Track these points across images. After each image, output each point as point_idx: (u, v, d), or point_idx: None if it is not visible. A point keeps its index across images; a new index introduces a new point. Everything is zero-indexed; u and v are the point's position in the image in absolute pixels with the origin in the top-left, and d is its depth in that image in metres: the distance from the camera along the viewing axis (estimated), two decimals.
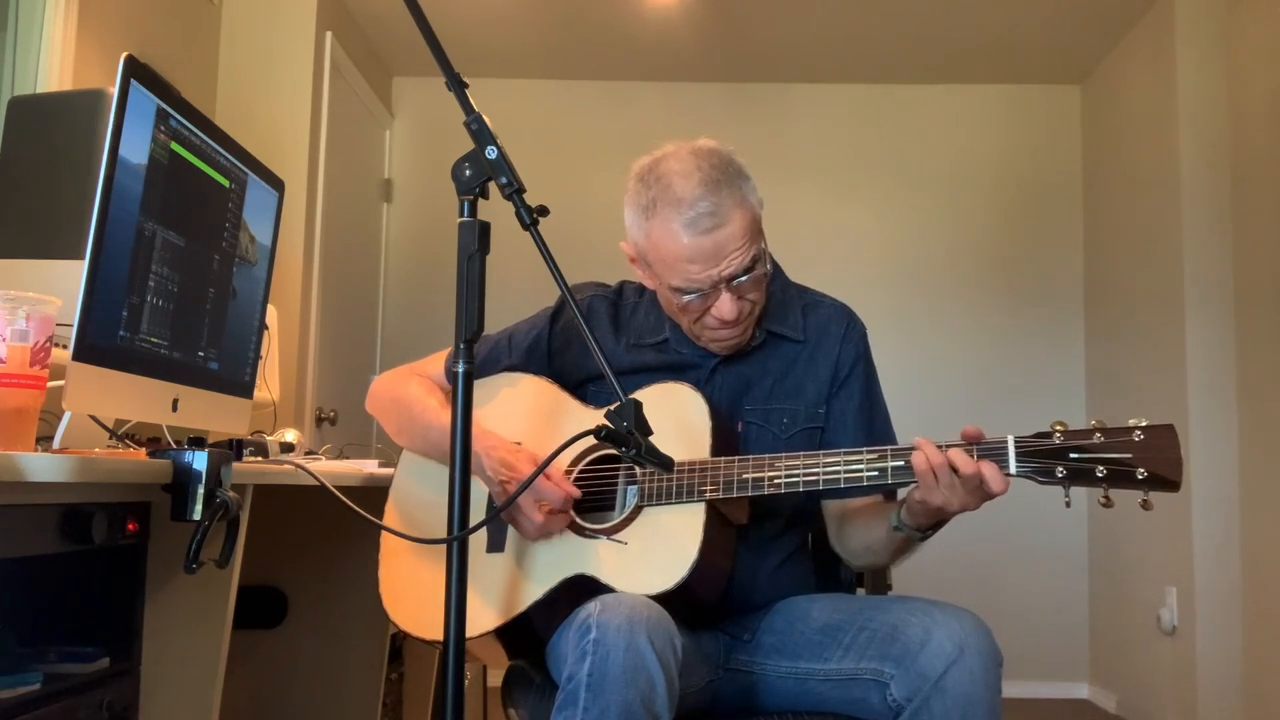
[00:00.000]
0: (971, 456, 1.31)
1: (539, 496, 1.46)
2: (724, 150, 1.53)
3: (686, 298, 1.50)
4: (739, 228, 1.47)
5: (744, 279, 1.49)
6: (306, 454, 2.16)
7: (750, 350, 1.62)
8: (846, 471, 1.40)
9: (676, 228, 1.46)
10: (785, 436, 1.58)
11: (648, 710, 1.23)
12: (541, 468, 1.34)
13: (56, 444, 1.37)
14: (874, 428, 1.63)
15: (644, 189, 1.52)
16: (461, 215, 1.22)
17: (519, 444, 1.56)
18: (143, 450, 1.34)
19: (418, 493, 1.66)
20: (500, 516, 1.50)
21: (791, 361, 1.63)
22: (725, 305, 1.49)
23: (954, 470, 1.31)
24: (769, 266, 1.54)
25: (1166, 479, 1.27)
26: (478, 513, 1.37)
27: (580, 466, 1.55)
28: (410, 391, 1.68)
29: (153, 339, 1.39)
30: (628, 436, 1.22)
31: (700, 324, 1.55)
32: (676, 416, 1.50)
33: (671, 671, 1.27)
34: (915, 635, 1.36)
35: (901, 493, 1.47)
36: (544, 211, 1.24)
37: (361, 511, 1.38)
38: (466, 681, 1.30)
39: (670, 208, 1.47)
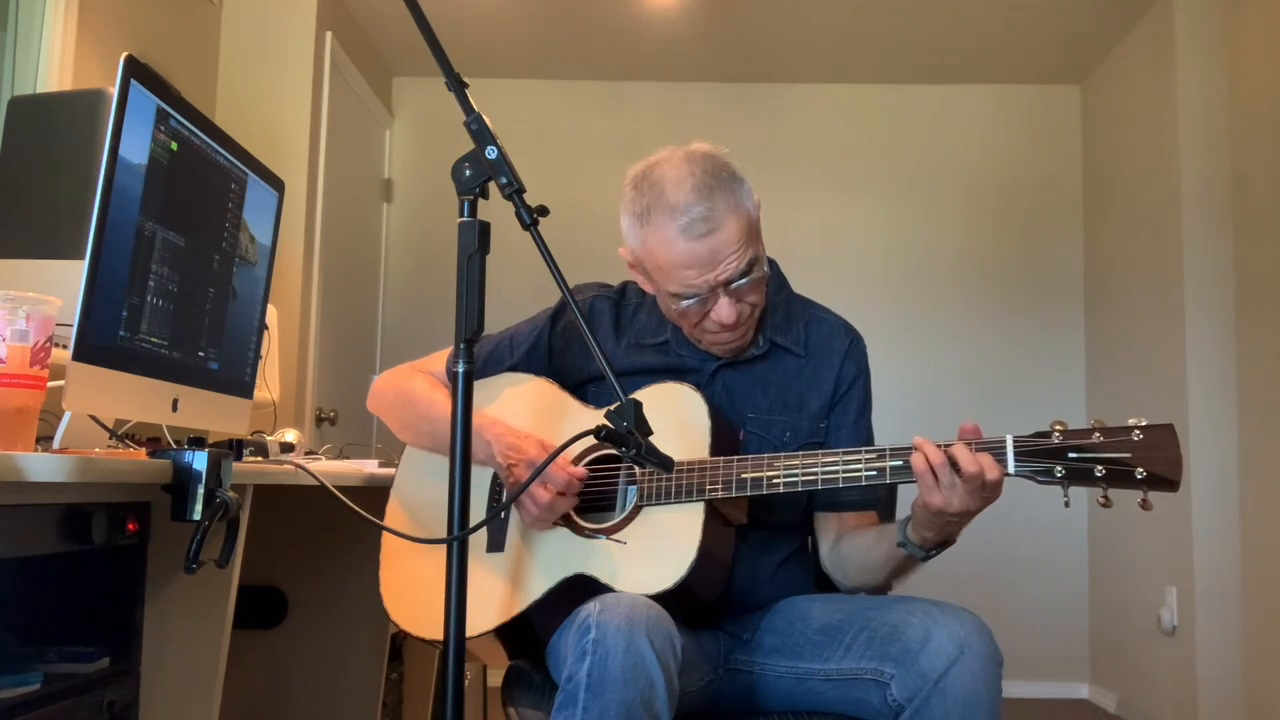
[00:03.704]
0: (971, 452, 1.32)
1: (544, 479, 1.45)
2: (718, 154, 1.52)
3: (684, 303, 1.51)
4: (733, 232, 1.46)
5: (742, 283, 1.49)
6: (306, 454, 2.16)
7: (753, 358, 1.62)
8: (845, 471, 1.40)
9: (671, 234, 1.46)
10: (787, 450, 1.57)
11: (647, 710, 1.23)
12: (553, 456, 1.33)
13: (56, 444, 1.37)
14: (867, 444, 1.63)
15: (638, 196, 1.52)
16: (461, 215, 1.22)
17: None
18: (143, 450, 1.34)
19: (420, 492, 1.66)
20: (504, 505, 1.50)
21: (794, 375, 1.62)
22: (724, 310, 1.49)
23: (954, 468, 1.31)
24: (766, 269, 1.54)
25: (1165, 479, 1.26)
26: (478, 512, 1.37)
27: (580, 466, 1.55)
28: (415, 386, 1.68)
29: (153, 339, 1.39)
30: (628, 436, 1.22)
31: (700, 328, 1.55)
32: (676, 417, 1.50)
33: (671, 671, 1.27)
34: (915, 635, 1.36)
35: (904, 512, 1.47)
36: (544, 211, 1.23)
37: (361, 511, 1.38)
38: (466, 681, 1.29)
39: (664, 214, 1.47)
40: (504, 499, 1.58)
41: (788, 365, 1.63)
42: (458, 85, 1.24)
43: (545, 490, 1.46)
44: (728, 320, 1.50)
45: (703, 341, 1.58)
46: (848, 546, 1.58)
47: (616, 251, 1.62)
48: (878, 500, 1.66)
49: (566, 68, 4.55)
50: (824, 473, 1.41)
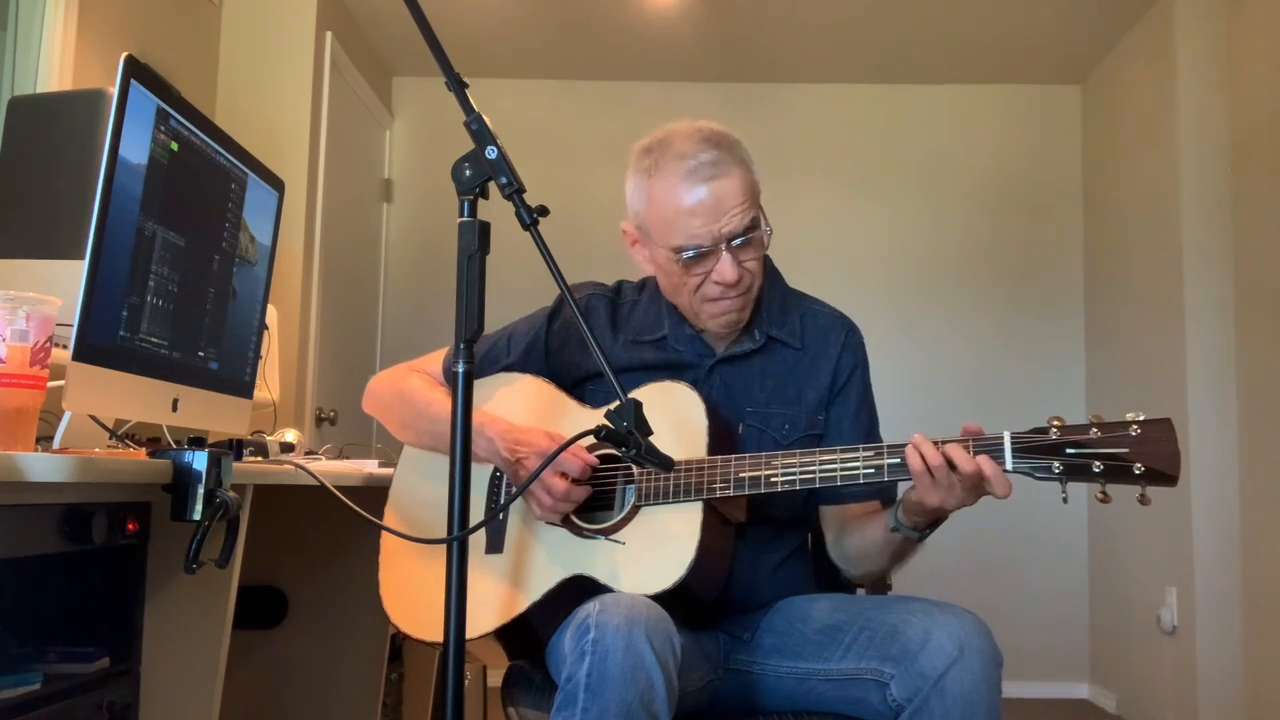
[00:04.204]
0: (968, 452, 1.31)
1: (558, 467, 1.45)
2: (724, 128, 1.57)
3: (687, 254, 1.51)
4: (738, 184, 1.50)
5: (743, 240, 1.50)
6: (306, 454, 2.16)
7: (749, 352, 1.62)
8: (843, 470, 1.40)
9: (677, 180, 1.50)
10: (786, 443, 1.58)
11: (647, 710, 1.23)
12: (565, 446, 1.32)
13: (56, 444, 1.37)
14: (870, 434, 1.64)
15: (646, 156, 1.56)
16: (461, 215, 1.22)
17: None
18: (143, 450, 1.34)
19: (418, 493, 1.66)
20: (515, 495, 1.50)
21: (791, 368, 1.63)
22: (726, 267, 1.50)
23: (952, 467, 1.31)
24: (768, 228, 1.55)
25: (1164, 473, 1.26)
26: (477, 514, 1.37)
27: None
28: (414, 385, 1.68)
29: (153, 339, 1.39)
30: (628, 436, 1.22)
31: (700, 294, 1.55)
32: (674, 416, 1.50)
33: (670, 671, 1.27)
34: (915, 635, 1.36)
35: (899, 494, 1.47)
36: (544, 211, 1.24)
37: (361, 511, 1.38)
38: (466, 681, 1.29)
39: (672, 161, 1.51)
40: (506, 495, 1.58)
41: (785, 358, 1.63)
42: (458, 85, 1.24)
43: (561, 479, 1.46)
44: (730, 278, 1.51)
45: (702, 315, 1.58)
46: (849, 537, 1.58)
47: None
48: (880, 491, 1.66)
49: (566, 68, 4.55)
50: (822, 471, 1.41)
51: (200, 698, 1.46)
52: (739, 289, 1.53)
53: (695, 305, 1.57)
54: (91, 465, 1.13)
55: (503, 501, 1.58)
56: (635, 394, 1.34)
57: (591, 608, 1.29)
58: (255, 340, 1.75)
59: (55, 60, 2.60)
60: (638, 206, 1.57)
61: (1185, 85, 3.64)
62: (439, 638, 1.22)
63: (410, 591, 1.58)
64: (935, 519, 1.42)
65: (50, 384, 1.27)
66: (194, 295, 1.50)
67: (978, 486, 1.32)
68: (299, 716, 2.24)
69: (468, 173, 1.22)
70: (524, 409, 1.61)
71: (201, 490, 1.25)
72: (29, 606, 1.38)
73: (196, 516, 1.24)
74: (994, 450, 1.32)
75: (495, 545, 1.55)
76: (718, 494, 1.44)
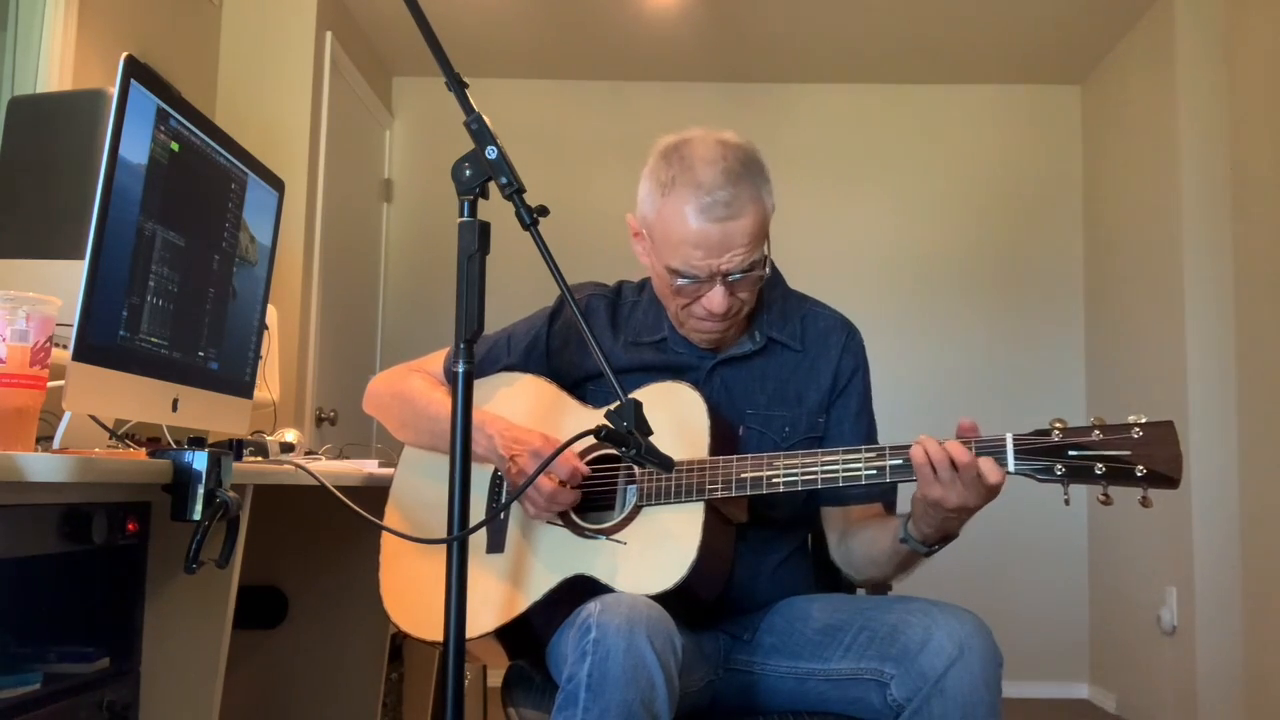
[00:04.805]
0: (970, 450, 1.32)
1: (548, 470, 1.45)
2: (750, 146, 1.54)
3: (681, 281, 1.51)
4: (749, 224, 1.48)
5: (740, 277, 1.50)
6: (306, 454, 2.16)
7: (750, 354, 1.62)
8: (845, 470, 1.40)
9: (689, 210, 1.47)
10: (786, 445, 1.58)
11: (647, 710, 1.23)
12: (561, 449, 1.33)
13: (56, 444, 1.37)
14: (870, 438, 1.64)
15: (666, 166, 1.52)
16: (461, 215, 1.22)
17: None
18: (143, 450, 1.34)
19: (418, 493, 1.66)
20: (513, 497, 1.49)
21: (792, 370, 1.63)
22: (716, 298, 1.50)
23: (952, 464, 1.31)
24: (767, 270, 1.54)
25: (1166, 476, 1.26)
26: (477, 513, 1.37)
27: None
28: (413, 385, 1.68)
29: (153, 339, 1.39)
30: (628, 436, 1.22)
31: (687, 311, 1.55)
32: (675, 416, 1.50)
33: (671, 671, 1.27)
34: (915, 635, 1.36)
35: (906, 506, 1.47)
36: (544, 211, 1.24)
37: (361, 511, 1.38)
38: (466, 681, 1.29)
39: (688, 188, 1.48)
40: (506, 495, 1.58)
41: (785, 360, 1.63)
42: (458, 85, 1.24)
43: (549, 479, 1.46)
44: (718, 309, 1.50)
45: (685, 325, 1.59)
46: (854, 541, 1.58)
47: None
48: (882, 493, 1.66)
49: (566, 68, 4.55)
50: (824, 472, 1.41)
51: (200, 698, 1.46)
52: (725, 317, 1.53)
53: (680, 316, 1.58)
54: (91, 465, 1.13)
55: (503, 501, 1.58)
56: (637, 394, 1.34)
57: (592, 608, 1.29)
58: (255, 340, 1.75)
59: (55, 60, 2.60)
60: (646, 212, 1.56)
61: (1185, 85, 3.64)
62: (439, 637, 1.22)
63: (411, 591, 1.58)
64: (945, 534, 1.42)
65: (50, 384, 1.27)
66: (194, 295, 1.50)
67: (976, 480, 1.32)
68: (299, 716, 2.24)
69: (468, 173, 1.22)
70: (524, 409, 1.61)
71: (201, 490, 1.24)
72: (29, 606, 1.38)
73: (196, 516, 1.24)
74: (996, 452, 1.32)
75: (496, 545, 1.55)
76: (719, 494, 1.44)
